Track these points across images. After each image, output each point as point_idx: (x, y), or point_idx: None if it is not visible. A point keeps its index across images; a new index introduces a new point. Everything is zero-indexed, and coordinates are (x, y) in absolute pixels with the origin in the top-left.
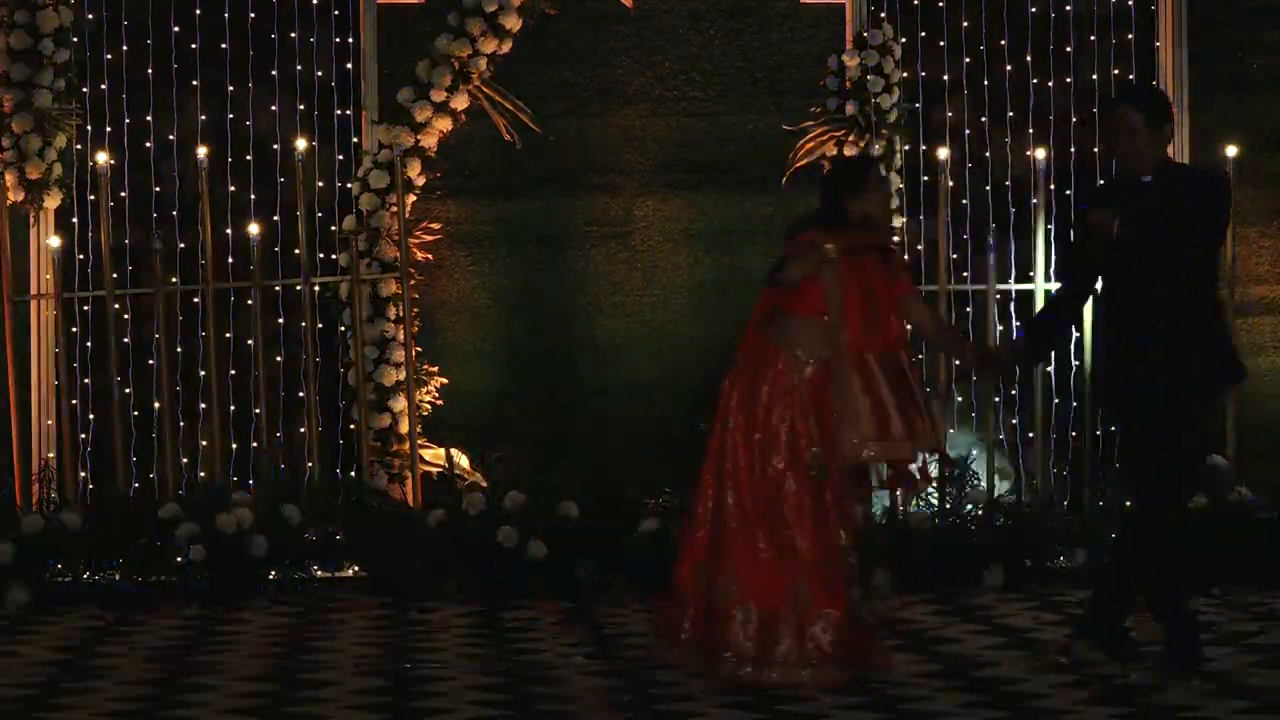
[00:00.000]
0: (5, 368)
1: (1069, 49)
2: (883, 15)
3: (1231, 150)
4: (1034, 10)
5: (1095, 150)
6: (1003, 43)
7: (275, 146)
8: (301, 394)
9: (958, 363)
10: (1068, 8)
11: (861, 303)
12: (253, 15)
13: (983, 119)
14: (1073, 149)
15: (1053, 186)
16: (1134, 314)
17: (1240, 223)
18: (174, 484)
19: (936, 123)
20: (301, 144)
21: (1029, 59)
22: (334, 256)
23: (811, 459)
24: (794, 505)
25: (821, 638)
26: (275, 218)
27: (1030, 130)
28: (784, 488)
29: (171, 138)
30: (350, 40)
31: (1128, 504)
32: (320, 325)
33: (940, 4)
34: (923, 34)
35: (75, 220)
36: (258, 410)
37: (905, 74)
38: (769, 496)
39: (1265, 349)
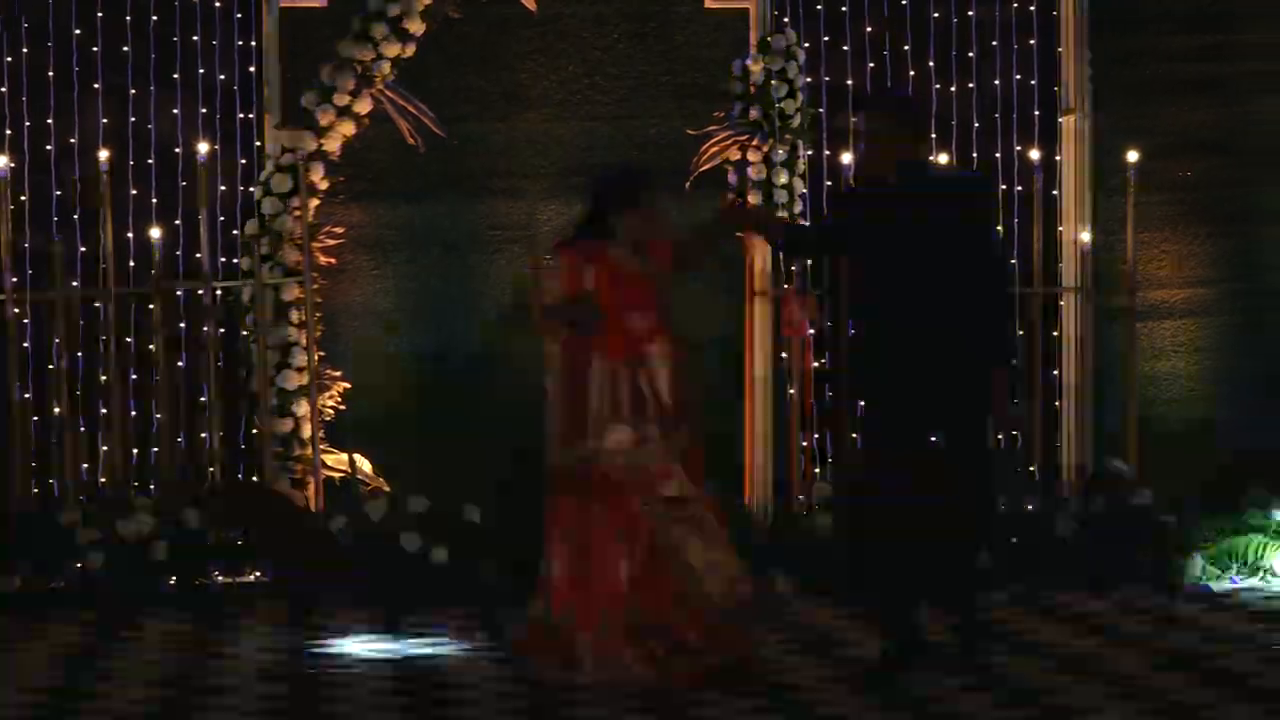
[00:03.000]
0: None
1: (971, 54)
2: (786, 20)
3: (1133, 155)
4: (936, 16)
5: (997, 155)
6: (906, 48)
7: (177, 150)
8: (204, 399)
9: (739, 234)
10: (970, 13)
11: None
12: (154, 18)
13: None
14: (974, 154)
15: None
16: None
17: (1142, 228)
18: (75, 490)
19: (840, 127)
20: (204, 147)
21: (931, 64)
22: (236, 261)
23: None
24: None
25: None
26: (177, 222)
27: (933, 135)
28: None
29: (73, 140)
30: (253, 43)
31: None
32: (222, 330)
33: (844, 9)
34: (826, 39)
35: None
36: (159, 415)
37: (809, 79)
38: None
39: (1165, 353)
